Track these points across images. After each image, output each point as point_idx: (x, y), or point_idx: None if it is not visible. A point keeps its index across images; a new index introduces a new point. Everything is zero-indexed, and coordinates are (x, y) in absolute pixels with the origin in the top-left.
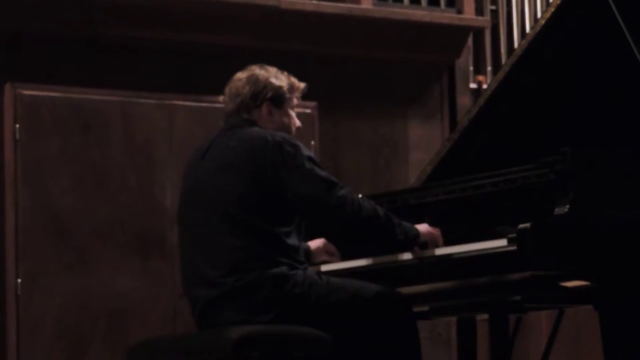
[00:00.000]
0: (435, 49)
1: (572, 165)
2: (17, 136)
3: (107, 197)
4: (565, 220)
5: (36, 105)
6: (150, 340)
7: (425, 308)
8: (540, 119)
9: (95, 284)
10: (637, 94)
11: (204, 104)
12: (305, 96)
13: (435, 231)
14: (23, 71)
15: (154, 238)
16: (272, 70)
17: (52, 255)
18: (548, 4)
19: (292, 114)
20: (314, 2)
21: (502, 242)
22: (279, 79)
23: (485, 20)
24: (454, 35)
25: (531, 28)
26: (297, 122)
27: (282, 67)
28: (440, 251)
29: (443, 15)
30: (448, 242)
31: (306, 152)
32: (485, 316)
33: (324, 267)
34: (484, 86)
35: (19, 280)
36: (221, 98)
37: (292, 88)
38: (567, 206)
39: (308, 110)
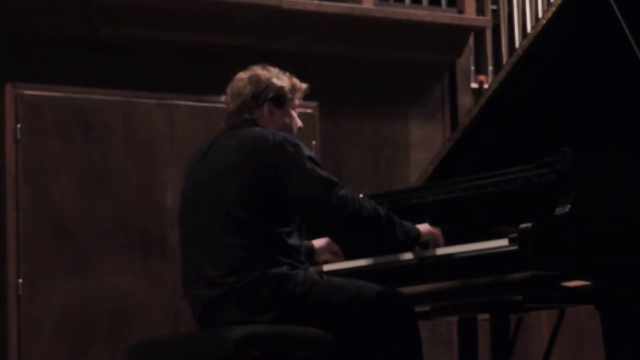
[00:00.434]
0: (436, 48)
1: (573, 165)
2: (18, 136)
3: (108, 197)
4: (566, 220)
5: (37, 105)
6: (151, 340)
7: (427, 308)
8: (541, 119)
9: (96, 284)
10: (637, 94)
11: (205, 104)
12: (306, 96)
13: (436, 231)
14: (24, 71)
15: (155, 238)
16: (274, 70)
17: (53, 256)
18: (549, 4)
19: (294, 114)
20: (315, 2)
21: (503, 242)
22: (281, 79)
23: (486, 20)
24: (455, 35)
25: (532, 28)
26: (299, 123)
27: (284, 66)
28: (441, 251)
29: (444, 15)
30: (449, 242)
31: (307, 152)
32: (486, 316)
33: (325, 267)
34: (485, 86)
35: (20, 281)
36: (223, 98)
37: (293, 88)
38: (568, 206)
39: (309, 110)
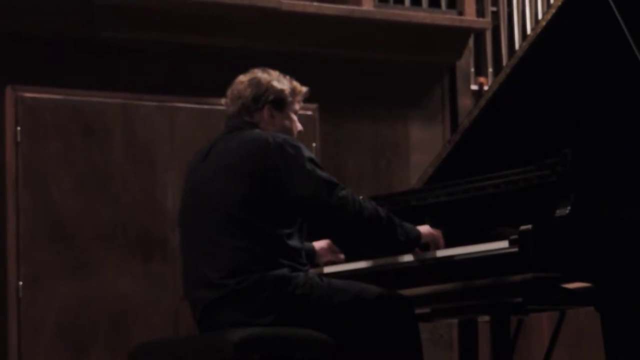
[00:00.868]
0: (436, 50)
1: (573, 166)
2: (18, 139)
3: (108, 199)
4: (567, 221)
5: (37, 108)
6: (151, 343)
7: (427, 310)
8: (542, 121)
9: (96, 287)
10: (637, 95)
11: (205, 106)
12: (307, 98)
13: (437, 233)
14: (24, 74)
15: (156, 240)
16: (275, 73)
17: (54, 258)
18: (549, 6)
19: (294, 117)
20: (315, 3)
21: (503, 244)
22: (281, 82)
23: (486, 21)
24: (455, 37)
25: (532, 29)
26: (299, 126)
27: (283, 69)
28: (442, 253)
29: (444, 17)
30: (449, 244)
31: (307, 153)
32: (487, 318)
33: (326, 270)
34: (485, 88)
35: (20, 283)
36: (223, 100)
37: (293, 92)
38: (568, 208)
39: (309, 112)
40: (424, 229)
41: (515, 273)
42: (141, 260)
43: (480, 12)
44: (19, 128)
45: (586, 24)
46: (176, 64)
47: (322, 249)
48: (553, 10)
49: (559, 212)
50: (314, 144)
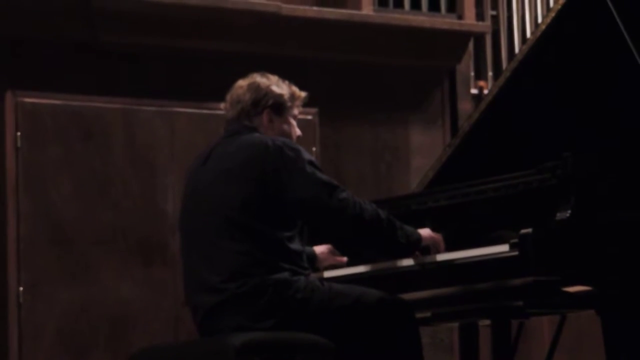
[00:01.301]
0: (436, 54)
1: (573, 170)
2: (19, 144)
3: (108, 204)
4: (567, 225)
5: (37, 113)
6: (152, 348)
7: (428, 314)
8: (542, 124)
9: (97, 292)
10: (637, 98)
11: (205, 111)
12: (306, 102)
13: (437, 236)
14: (24, 79)
15: (156, 245)
16: (274, 78)
17: (54, 263)
18: (549, 9)
19: (293, 122)
20: (315, 8)
21: (503, 248)
22: (280, 87)
23: (486, 25)
24: (455, 41)
25: (532, 33)
26: (298, 131)
27: (283, 73)
28: (442, 257)
29: (444, 21)
30: (450, 248)
31: (307, 156)
32: (488, 322)
33: (326, 274)
34: (485, 91)
35: (21, 288)
36: (222, 105)
37: (293, 97)
38: (569, 211)
39: (309, 117)
40: (425, 232)
41: (515, 277)
42: (141, 264)
43: (480, 16)
44: (19, 133)
45: (586, 27)
46: (176, 69)
47: (323, 253)
48: (553, 14)
49: (560, 216)
50: (313, 148)
